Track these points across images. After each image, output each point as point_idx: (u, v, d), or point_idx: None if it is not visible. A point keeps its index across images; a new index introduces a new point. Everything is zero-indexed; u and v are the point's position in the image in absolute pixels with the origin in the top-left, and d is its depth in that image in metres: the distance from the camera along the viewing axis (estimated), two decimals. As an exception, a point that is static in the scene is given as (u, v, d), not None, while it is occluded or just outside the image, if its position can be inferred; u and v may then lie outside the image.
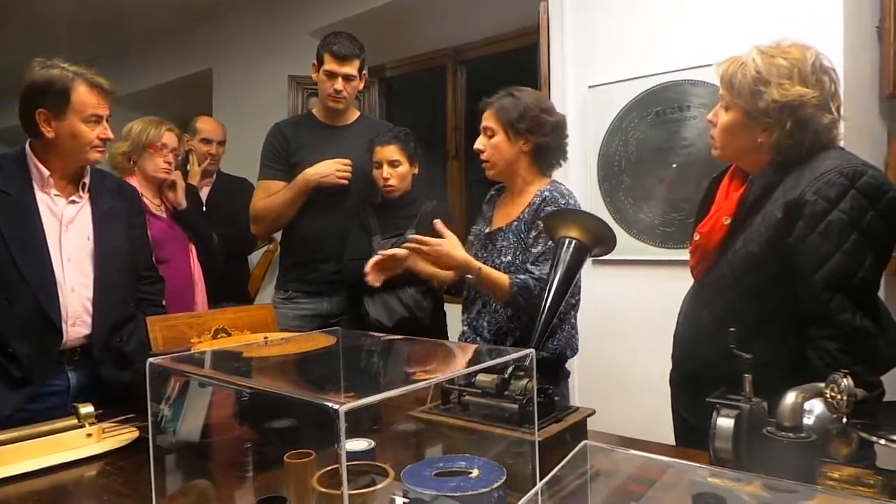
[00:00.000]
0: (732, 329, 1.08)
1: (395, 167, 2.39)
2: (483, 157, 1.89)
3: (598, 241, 1.40)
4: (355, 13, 3.79)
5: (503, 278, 1.77)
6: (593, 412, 1.23)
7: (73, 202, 1.77)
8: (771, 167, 1.36)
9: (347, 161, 2.44)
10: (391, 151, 2.39)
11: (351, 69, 2.44)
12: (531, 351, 0.96)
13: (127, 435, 1.40)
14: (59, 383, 1.72)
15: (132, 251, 1.91)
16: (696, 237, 1.46)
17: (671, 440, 1.54)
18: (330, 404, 0.65)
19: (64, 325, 1.69)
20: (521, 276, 1.76)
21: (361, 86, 2.54)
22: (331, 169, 2.42)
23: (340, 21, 3.83)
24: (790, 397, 0.95)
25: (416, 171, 2.47)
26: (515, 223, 1.86)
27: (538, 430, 1.05)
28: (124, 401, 1.53)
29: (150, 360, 0.94)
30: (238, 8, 4.46)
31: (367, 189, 2.49)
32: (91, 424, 1.38)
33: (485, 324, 1.88)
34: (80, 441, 1.36)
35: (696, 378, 1.46)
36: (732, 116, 1.39)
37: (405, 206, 2.43)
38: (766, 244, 1.30)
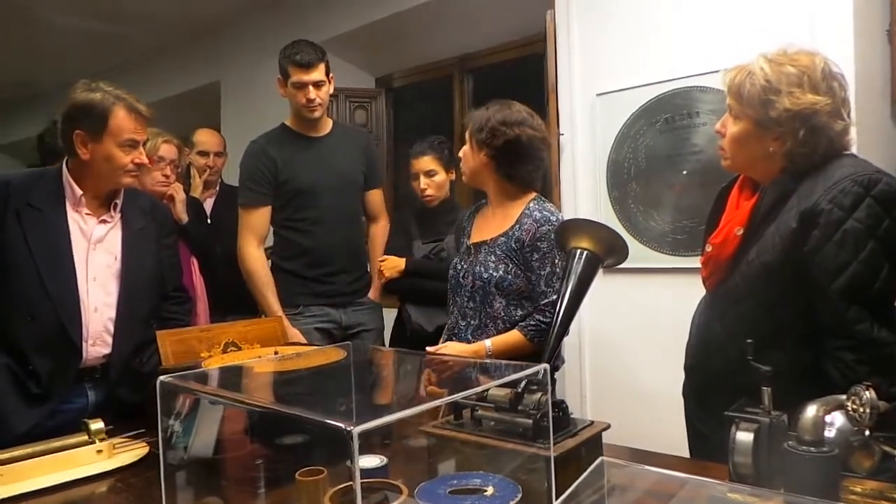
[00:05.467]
0: (750, 341, 1.06)
1: (431, 177, 2.45)
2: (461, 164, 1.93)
3: (610, 252, 1.38)
4: (362, 24, 3.80)
5: (515, 337, 1.75)
6: (608, 426, 1.22)
7: (104, 221, 1.77)
8: (783, 176, 1.34)
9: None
10: (426, 162, 2.45)
11: (318, 74, 2.42)
12: (545, 366, 0.95)
13: (137, 451, 1.39)
14: (79, 400, 1.72)
15: (161, 272, 1.91)
16: (709, 249, 1.44)
17: (686, 451, 1.52)
18: (343, 425, 0.64)
19: (84, 345, 1.69)
20: (532, 323, 1.75)
21: (331, 89, 2.51)
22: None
23: (348, 32, 3.85)
24: (811, 410, 0.93)
25: (452, 177, 2.52)
26: (503, 238, 1.83)
27: (553, 445, 1.03)
28: (136, 418, 1.51)
29: (161, 378, 0.93)
30: (245, 20, 4.48)
31: (356, 196, 2.56)
32: (101, 440, 1.38)
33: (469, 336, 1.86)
34: (91, 457, 1.35)
35: (709, 390, 1.45)
36: (742, 126, 1.36)
37: (446, 213, 2.47)
38: (780, 254, 1.28)
